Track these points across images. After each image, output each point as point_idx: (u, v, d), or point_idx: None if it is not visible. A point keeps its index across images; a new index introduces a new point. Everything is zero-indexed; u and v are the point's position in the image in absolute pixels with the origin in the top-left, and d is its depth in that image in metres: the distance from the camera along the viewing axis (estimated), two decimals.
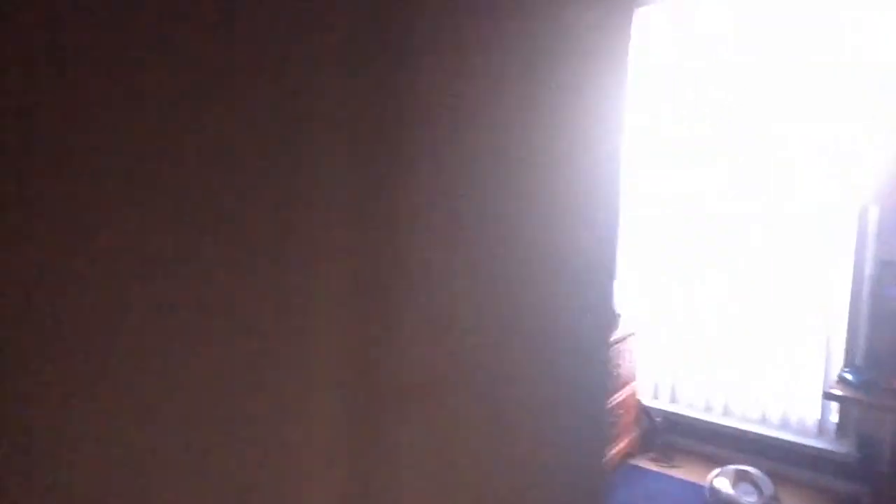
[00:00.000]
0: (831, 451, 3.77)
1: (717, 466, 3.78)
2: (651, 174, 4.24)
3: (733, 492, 3.41)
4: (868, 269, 3.63)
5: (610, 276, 0.70)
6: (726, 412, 4.12)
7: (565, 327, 0.66)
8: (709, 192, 4.06)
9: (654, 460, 4.12)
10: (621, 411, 3.98)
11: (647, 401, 4.32)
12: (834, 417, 3.82)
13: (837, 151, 3.67)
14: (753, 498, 3.38)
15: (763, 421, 4.00)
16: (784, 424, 3.95)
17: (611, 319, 3.76)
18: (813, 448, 3.82)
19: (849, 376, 3.47)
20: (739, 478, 3.46)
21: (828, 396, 3.52)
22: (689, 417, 4.19)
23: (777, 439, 3.91)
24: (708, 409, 4.17)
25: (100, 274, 0.46)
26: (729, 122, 3.95)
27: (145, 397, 0.50)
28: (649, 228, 4.28)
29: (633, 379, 4.14)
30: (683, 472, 3.98)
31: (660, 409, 4.27)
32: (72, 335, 0.46)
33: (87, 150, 0.45)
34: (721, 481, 3.45)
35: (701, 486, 3.69)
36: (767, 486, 3.44)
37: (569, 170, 0.63)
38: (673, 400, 4.30)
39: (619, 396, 3.98)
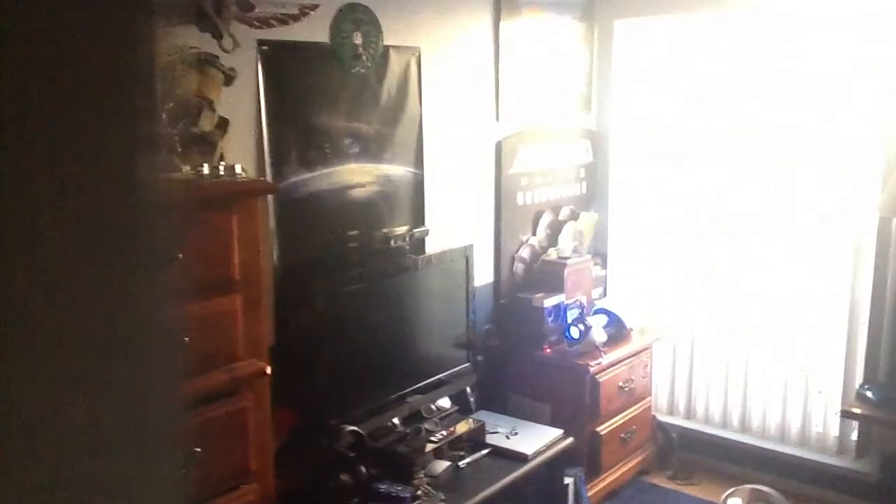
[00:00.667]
0: (851, 470, 3.66)
1: (734, 484, 3.68)
2: (665, 180, 4.17)
3: None
4: (890, 282, 3.52)
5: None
6: (744, 428, 4.02)
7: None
8: (725, 203, 3.98)
9: (670, 478, 4.03)
10: (635, 427, 3.90)
11: (663, 416, 4.23)
12: (855, 435, 3.71)
13: (860, 162, 3.58)
14: None
15: (781, 438, 3.90)
16: (803, 441, 3.84)
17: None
18: (832, 467, 3.71)
19: (869, 393, 3.37)
20: (754, 498, 3.37)
21: (846, 414, 3.43)
22: (705, 433, 4.10)
23: (795, 457, 3.81)
24: (725, 425, 4.08)
25: None
26: (743, 127, 3.87)
27: None
28: (663, 240, 4.20)
29: (647, 394, 4.06)
30: (699, 490, 3.89)
31: (675, 425, 4.18)
32: None
33: None
34: (735, 502, 3.36)
35: None
36: None
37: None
38: (689, 415, 4.20)
39: (632, 411, 3.91)
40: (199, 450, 1.94)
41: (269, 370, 2.10)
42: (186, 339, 1.87)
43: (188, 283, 1.92)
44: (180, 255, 1.87)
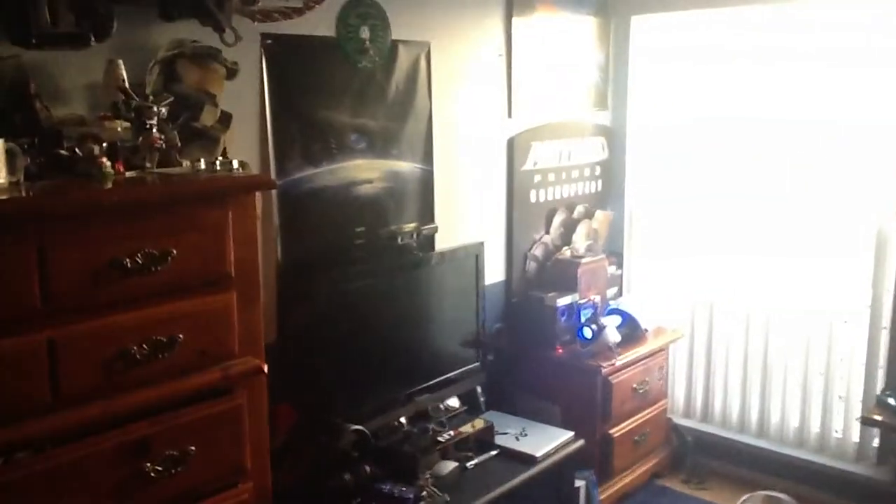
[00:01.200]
0: (870, 478, 3.56)
1: (749, 489, 3.60)
2: (682, 178, 4.09)
3: None
4: None
5: None
6: (761, 433, 3.93)
7: None
8: (744, 202, 3.89)
9: (684, 482, 3.96)
10: (648, 429, 3.83)
11: (679, 418, 4.15)
12: (876, 442, 3.60)
13: (884, 164, 3.48)
14: None
15: (799, 443, 3.81)
16: (822, 447, 3.75)
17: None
18: (851, 474, 3.61)
19: (890, 400, 3.28)
20: None
21: (866, 421, 3.34)
22: (721, 437, 4.01)
23: (813, 463, 3.72)
24: (742, 429, 3.99)
25: None
26: (763, 124, 3.78)
27: None
28: (680, 239, 4.12)
29: (662, 396, 3.98)
30: (713, 495, 3.81)
31: (691, 428, 4.09)
32: None
33: None
34: None
35: None
36: None
37: None
38: (705, 418, 4.12)
39: (647, 414, 3.84)
40: (193, 448, 1.92)
41: (265, 368, 2.06)
42: (181, 335, 1.87)
43: (181, 279, 1.90)
44: (174, 251, 1.83)
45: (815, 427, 3.77)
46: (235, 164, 2.07)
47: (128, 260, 1.75)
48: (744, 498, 3.40)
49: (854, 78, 3.50)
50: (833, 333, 3.67)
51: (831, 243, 3.66)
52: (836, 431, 3.72)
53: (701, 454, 4.03)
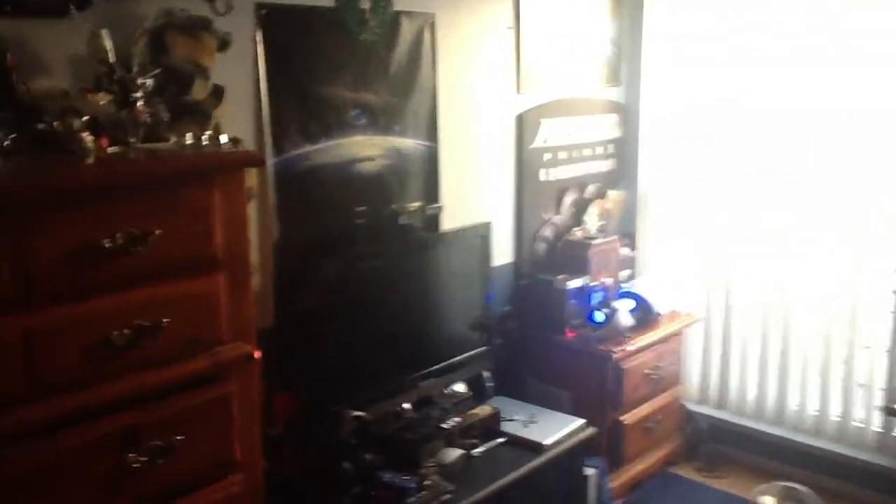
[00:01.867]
0: (891, 469, 3.44)
1: (765, 478, 3.50)
2: (700, 157, 3.94)
3: None
4: None
5: None
6: (778, 420, 3.81)
7: None
8: (766, 182, 3.75)
9: (698, 470, 3.85)
10: (661, 416, 3.72)
11: (693, 405, 4.04)
12: None
13: None
14: None
15: (818, 432, 3.69)
16: (841, 436, 3.62)
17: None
18: (871, 464, 3.49)
19: None
20: (786, 496, 3.18)
21: (888, 411, 3.23)
22: (737, 425, 3.90)
23: (832, 452, 3.60)
24: (758, 416, 3.87)
25: None
26: (786, 102, 3.63)
27: None
28: (697, 220, 3.98)
29: (676, 382, 3.88)
30: (727, 484, 3.71)
31: (706, 415, 3.98)
32: None
33: None
34: (765, 499, 3.18)
35: (745, 501, 3.42)
36: None
37: None
38: (721, 405, 4.00)
39: (659, 400, 3.73)
40: (180, 438, 1.83)
41: (256, 354, 1.96)
42: (165, 320, 1.77)
43: (165, 261, 1.79)
44: (157, 232, 1.72)
45: (834, 415, 3.64)
46: (224, 139, 1.96)
47: (107, 242, 1.65)
48: (760, 487, 3.29)
49: (878, 63, 3.34)
50: (856, 320, 3.53)
51: (854, 227, 3.51)
52: (857, 420, 3.59)
53: (716, 442, 3.92)
